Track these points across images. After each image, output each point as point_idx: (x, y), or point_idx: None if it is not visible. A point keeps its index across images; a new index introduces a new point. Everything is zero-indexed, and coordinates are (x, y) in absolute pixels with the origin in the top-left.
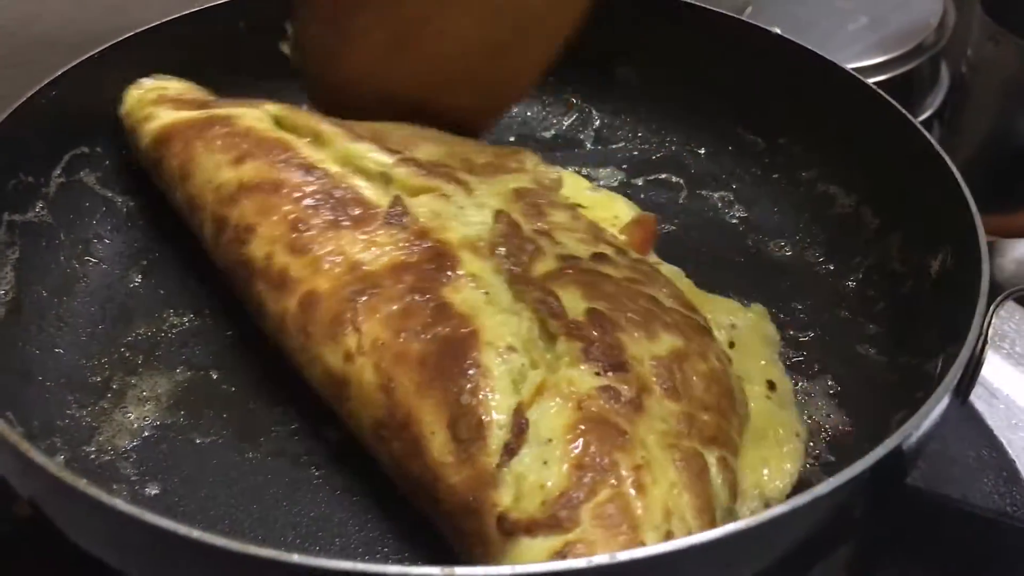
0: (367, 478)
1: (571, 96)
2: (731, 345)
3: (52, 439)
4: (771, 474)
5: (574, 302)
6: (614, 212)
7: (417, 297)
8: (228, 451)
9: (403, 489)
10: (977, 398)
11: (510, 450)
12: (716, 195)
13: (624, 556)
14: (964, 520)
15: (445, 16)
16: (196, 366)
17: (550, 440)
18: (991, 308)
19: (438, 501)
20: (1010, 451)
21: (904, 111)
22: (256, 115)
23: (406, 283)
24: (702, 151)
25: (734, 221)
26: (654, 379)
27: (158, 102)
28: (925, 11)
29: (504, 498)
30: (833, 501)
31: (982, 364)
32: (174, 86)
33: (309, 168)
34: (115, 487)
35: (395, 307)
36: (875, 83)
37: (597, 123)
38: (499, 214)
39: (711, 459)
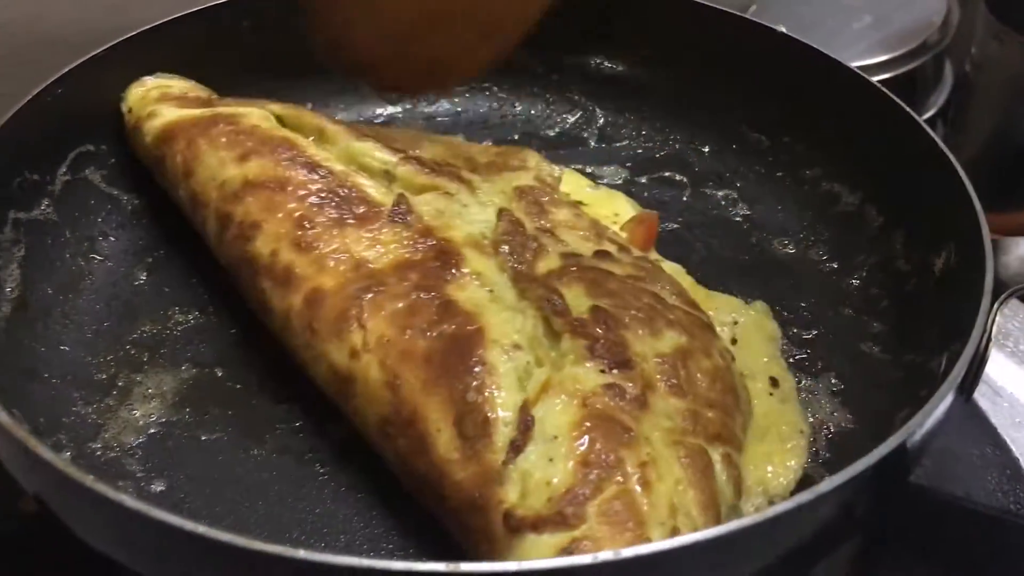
0: (372, 475)
1: (575, 94)
2: (734, 342)
3: (58, 436)
4: (775, 471)
5: (578, 300)
6: (614, 210)
7: (422, 295)
8: (233, 448)
9: (408, 486)
10: (981, 396)
11: (516, 447)
12: (720, 193)
13: (630, 552)
14: (967, 518)
15: None
16: (201, 363)
17: (556, 437)
18: (995, 306)
19: (444, 498)
20: (1014, 449)
21: (909, 109)
22: (260, 114)
23: (411, 281)
24: (706, 149)
25: (738, 219)
26: (658, 376)
27: (161, 100)
28: (929, 10)
29: (510, 495)
30: (837, 498)
31: (986, 362)
32: (177, 84)
33: (314, 166)
34: (120, 484)
35: (400, 304)
36: (879, 81)
37: (601, 121)
38: (502, 212)
39: (715, 456)
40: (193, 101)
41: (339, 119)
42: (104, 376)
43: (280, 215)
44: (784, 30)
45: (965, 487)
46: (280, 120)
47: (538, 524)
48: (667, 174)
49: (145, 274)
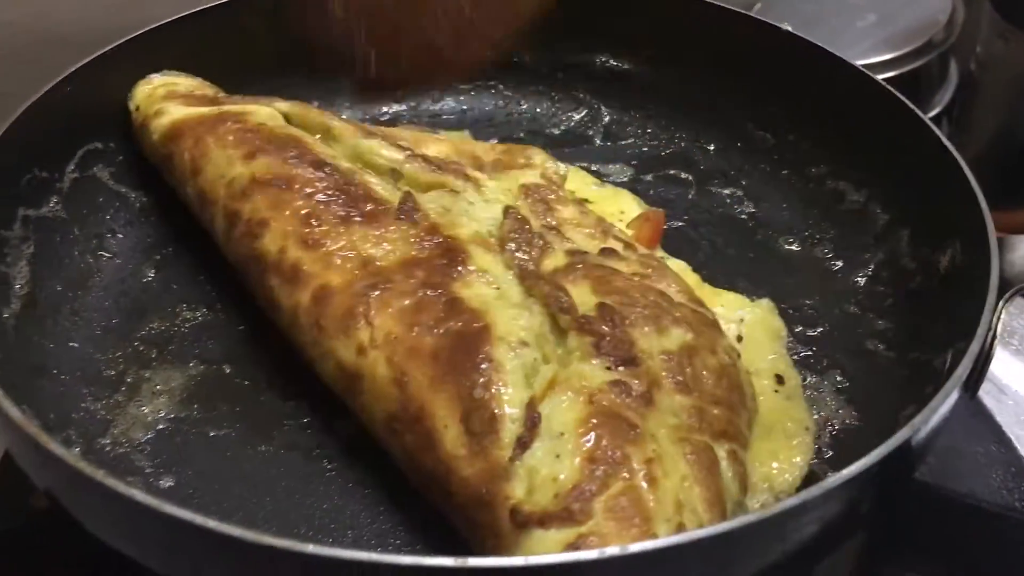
0: (379, 471)
1: (580, 92)
2: (739, 339)
3: (67, 432)
4: (780, 468)
5: (584, 297)
6: (620, 207)
7: (429, 292)
8: (241, 444)
9: (415, 482)
10: (986, 394)
11: (523, 444)
12: (725, 191)
13: (636, 548)
14: (971, 515)
15: None
16: (209, 360)
17: (562, 434)
18: (1000, 304)
19: (451, 494)
20: (1018, 447)
21: (914, 107)
22: (267, 112)
23: (418, 278)
24: (711, 147)
25: (743, 217)
26: (664, 373)
27: (168, 98)
28: (934, 8)
29: (517, 491)
30: (842, 495)
31: (991, 360)
32: (184, 82)
33: (321, 164)
34: (130, 479)
35: (407, 302)
36: (884, 80)
37: (606, 119)
38: (508, 210)
39: (721, 452)
40: (200, 99)
41: (345, 117)
42: (113, 372)
43: (287, 213)
44: (789, 28)
45: (969, 484)
46: (287, 118)
47: (545, 520)
48: (672, 172)
49: (153, 271)
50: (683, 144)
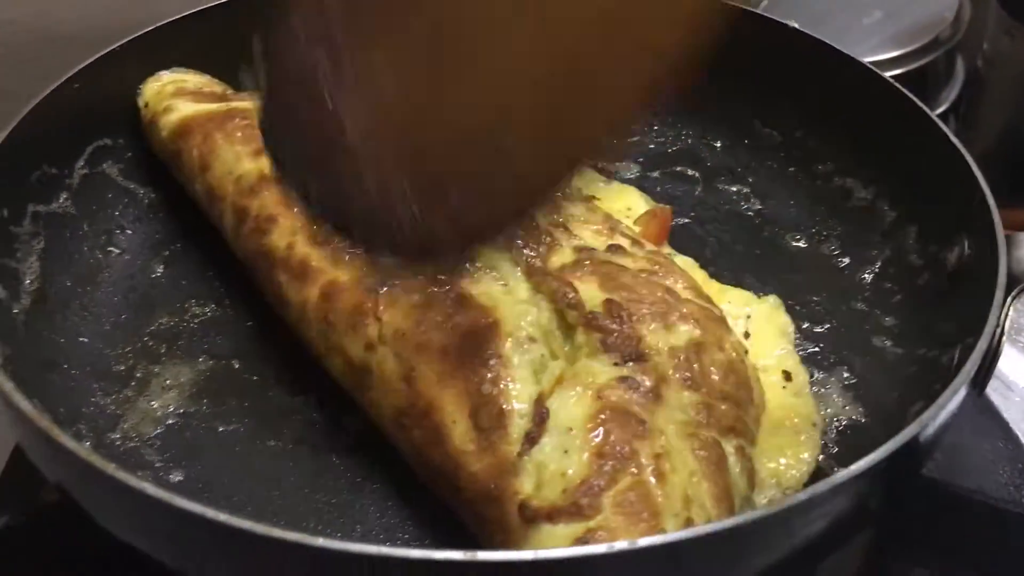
0: (387, 466)
1: None
2: (746, 335)
3: (77, 426)
4: (788, 463)
5: (591, 293)
6: (627, 204)
7: (436, 288)
8: (250, 439)
9: (423, 477)
10: (993, 391)
11: (531, 439)
12: (732, 188)
13: (645, 543)
14: (979, 511)
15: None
16: (218, 355)
17: (570, 429)
18: (1008, 300)
19: (459, 489)
20: None
21: (921, 104)
22: None
23: (425, 274)
24: (718, 144)
25: (750, 214)
26: (672, 369)
27: (177, 94)
28: (940, 5)
29: (525, 486)
30: (850, 491)
31: (999, 356)
32: (192, 79)
33: None
34: (139, 473)
35: (415, 298)
36: (890, 77)
37: None
38: None
39: (729, 448)
40: (208, 96)
41: None
42: (122, 367)
43: (296, 209)
44: (796, 25)
45: (977, 481)
46: None
47: (553, 515)
48: (679, 169)
49: (162, 267)
50: (690, 141)
